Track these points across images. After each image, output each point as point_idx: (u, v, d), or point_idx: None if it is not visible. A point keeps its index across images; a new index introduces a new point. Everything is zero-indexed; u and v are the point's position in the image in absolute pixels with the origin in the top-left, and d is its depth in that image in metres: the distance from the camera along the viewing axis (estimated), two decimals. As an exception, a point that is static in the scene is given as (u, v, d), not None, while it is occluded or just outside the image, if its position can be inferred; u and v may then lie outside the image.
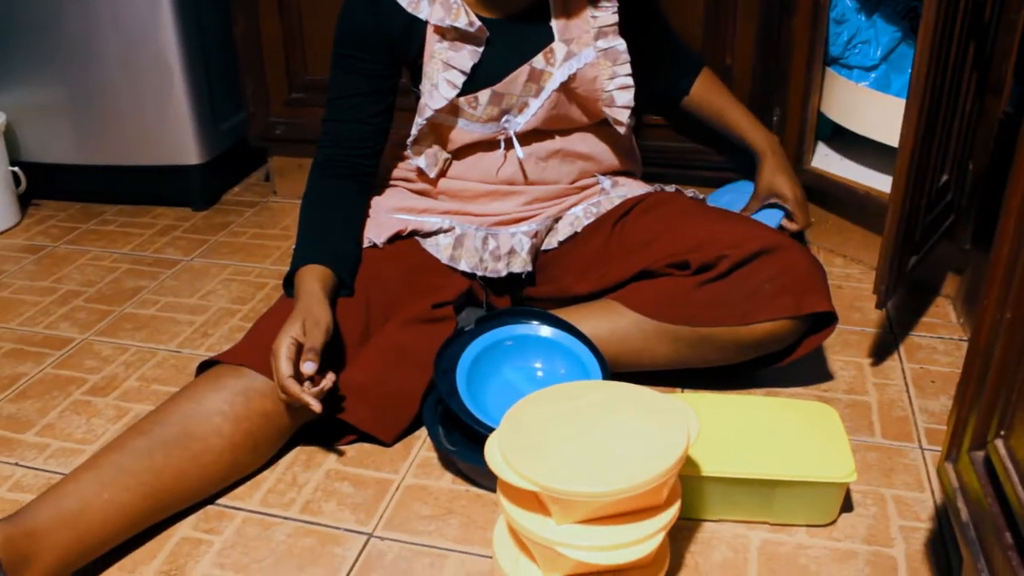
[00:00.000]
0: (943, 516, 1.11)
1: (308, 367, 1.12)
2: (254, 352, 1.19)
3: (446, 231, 1.40)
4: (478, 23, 1.28)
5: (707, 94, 1.60)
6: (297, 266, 1.26)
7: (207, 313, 1.67)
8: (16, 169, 2.13)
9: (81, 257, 1.94)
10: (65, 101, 2.09)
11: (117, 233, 2.05)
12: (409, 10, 1.29)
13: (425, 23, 1.29)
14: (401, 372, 1.25)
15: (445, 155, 1.39)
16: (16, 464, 1.26)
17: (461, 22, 1.27)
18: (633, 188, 1.47)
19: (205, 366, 1.23)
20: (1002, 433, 0.79)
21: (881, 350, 1.48)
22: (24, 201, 2.19)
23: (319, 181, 1.36)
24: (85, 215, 2.16)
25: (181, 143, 2.08)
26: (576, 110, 1.38)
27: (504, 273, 1.39)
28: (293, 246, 1.32)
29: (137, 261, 1.90)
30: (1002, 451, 0.78)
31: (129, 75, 2.02)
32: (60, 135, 2.13)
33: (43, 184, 2.21)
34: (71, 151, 2.15)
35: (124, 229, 2.07)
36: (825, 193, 1.77)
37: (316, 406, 1.12)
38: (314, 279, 1.23)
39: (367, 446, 1.27)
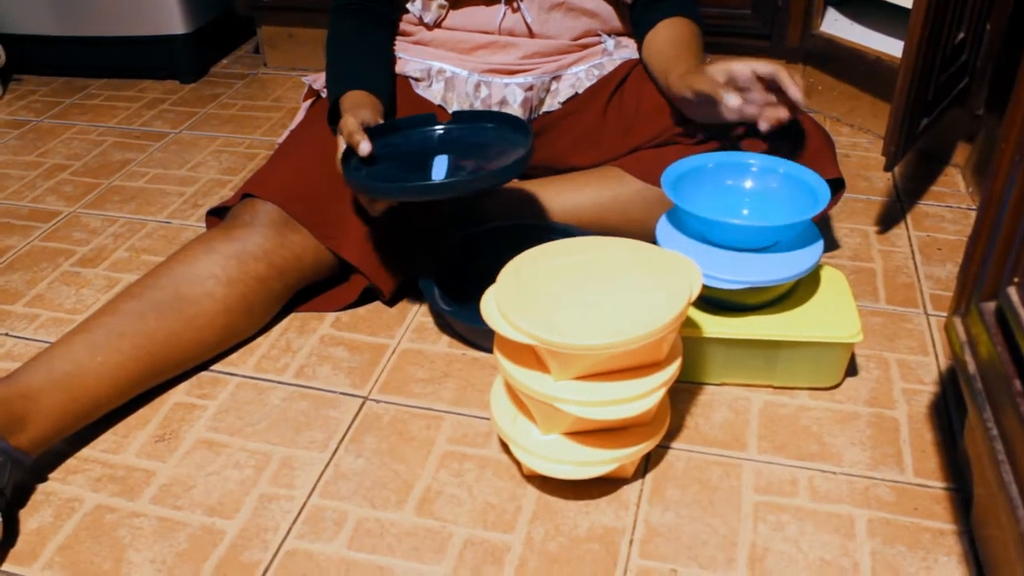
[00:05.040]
0: (946, 380, 1.10)
1: (365, 147, 1.07)
2: (280, 188, 1.16)
3: (437, 73, 1.35)
4: None
5: (665, 43, 1.31)
6: (339, 95, 1.21)
7: (197, 184, 1.63)
8: (-6, 42, 2.06)
9: (66, 131, 1.88)
10: (42, -33, 2.00)
11: (103, 107, 1.99)
12: None
13: None
14: (408, 227, 1.23)
15: (442, 1, 1.33)
16: (6, 334, 1.24)
17: None
18: (635, 51, 1.41)
19: (216, 213, 1.22)
20: (1015, 280, 0.76)
21: (887, 218, 1.44)
22: (4, 76, 2.13)
23: (343, 22, 1.31)
24: (69, 89, 2.10)
25: (165, 11, 2.00)
26: None
27: None
28: (310, 80, 1.30)
29: (124, 134, 1.85)
30: (1015, 298, 0.76)
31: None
32: (39, 5, 2.05)
33: (24, 58, 2.14)
34: (51, 22, 2.07)
35: (110, 103, 2.01)
36: (834, 58, 1.71)
37: (366, 148, 1.07)
38: (360, 100, 1.18)
39: (361, 311, 1.25)
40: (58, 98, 2.05)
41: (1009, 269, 0.79)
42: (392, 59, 1.34)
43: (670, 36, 1.30)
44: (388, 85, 1.28)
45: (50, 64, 2.17)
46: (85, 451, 1.04)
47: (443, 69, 1.35)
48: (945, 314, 1.21)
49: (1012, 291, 0.77)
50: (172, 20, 2.01)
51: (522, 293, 0.90)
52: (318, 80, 1.38)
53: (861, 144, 1.68)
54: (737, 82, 1.12)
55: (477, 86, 1.35)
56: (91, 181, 1.66)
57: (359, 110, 1.14)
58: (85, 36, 2.07)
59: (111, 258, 1.42)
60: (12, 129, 1.91)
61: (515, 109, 1.35)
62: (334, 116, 1.22)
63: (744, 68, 1.11)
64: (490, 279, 0.94)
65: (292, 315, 1.24)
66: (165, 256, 1.37)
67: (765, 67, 1.11)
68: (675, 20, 1.32)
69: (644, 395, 0.89)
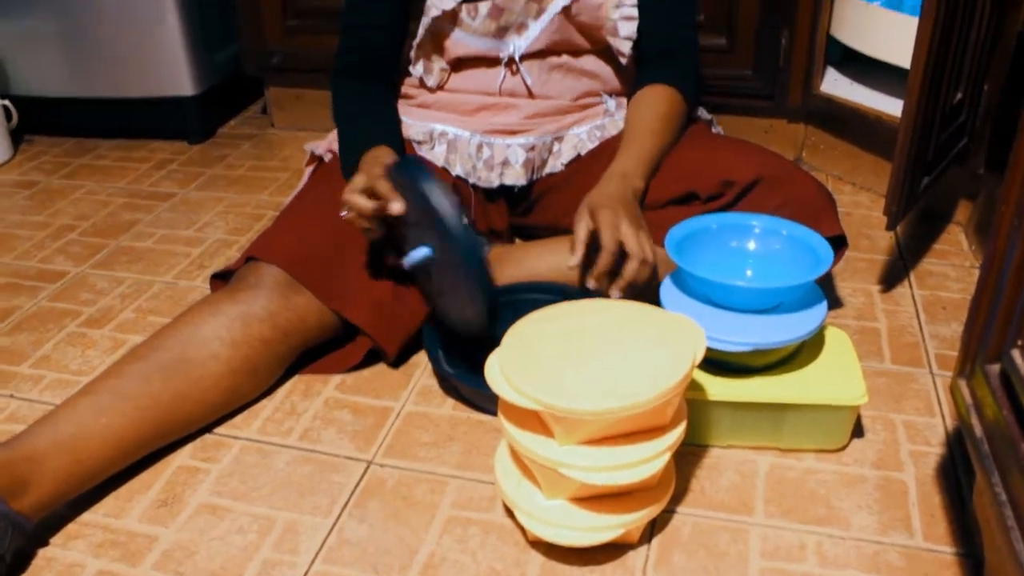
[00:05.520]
0: (954, 441, 1.09)
1: (396, 207, 1.08)
2: (285, 251, 1.17)
3: (439, 136, 1.37)
4: None
5: (632, 119, 1.31)
6: (358, 156, 1.23)
7: (203, 245, 1.64)
8: (7, 103, 2.09)
9: (75, 192, 1.90)
10: (56, 32, 2.04)
11: (112, 167, 2.01)
12: None
13: None
14: (412, 288, 1.23)
15: (443, 64, 1.35)
16: (11, 396, 1.24)
17: None
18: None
19: (220, 277, 1.23)
20: (1020, 343, 0.76)
21: (891, 277, 1.45)
22: (16, 136, 2.16)
23: (346, 83, 1.34)
24: (79, 150, 2.12)
25: (175, 74, 2.03)
26: (579, 36, 1.34)
27: (496, 184, 1.37)
28: (312, 147, 1.31)
29: (133, 195, 1.87)
30: (1019, 361, 0.75)
31: (121, 4, 1.97)
32: (52, 67, 2.09)
33: (36, 119, 2.17)
34: (63, 84, 2.10)
35: (119, 163, 2.04)
36: (835, 118, 1.72)
37: (398, 207, 1.08)
38: (379, 155, 1.21)
39: (366, 373, 1.25)
40: (69, 158, 2.08)
41: (1013, 332, 0.78)
42: (398, 117, 1.36)
43: (638, 113, 1.31)
44: (400, 143, 1.30)
45: (61, 125, 2.20)
46: (86, 515, 1.03)
47: (445, 132, 1.37)
48: (951, 374, 1.20)
49: (1016, 354, 0.77)
50: (182, 82, 2.04)
51: (526, 357, 0.90)
52: (320, 146, 1.40)
53: (863, 202, 1.68)
54: (599, 240, 1.12)
55: (479, 147, 1.36)
56: (99, 241, 1.68)
57: (356, 176, 1.15)
58: (96, 98, 2.10)
59: (118, 319, 1.42)
60: (23, 189, 1.93)
61: (517, 170, 1.36)
62: (349, 173, 1.24)
63: (609, 238, 1.10)
64: (495, 340, 0.94)
65: (297, 377, 1.24)
66: (171, 317, 1.37)
67: (631, 244, 1.10)
68: (658, 90, 1.32)
69: (649, 460, 0.88)
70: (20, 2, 2.03)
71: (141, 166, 2.01)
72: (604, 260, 1.11)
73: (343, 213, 1.13)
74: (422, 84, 1.37)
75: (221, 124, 2.22)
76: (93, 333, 1.39)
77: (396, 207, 1.08)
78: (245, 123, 2.24)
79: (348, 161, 1.26)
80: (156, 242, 1.66)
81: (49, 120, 2.19)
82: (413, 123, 1.38)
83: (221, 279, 1.25)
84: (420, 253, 1.10)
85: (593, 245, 1.13)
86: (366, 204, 1.10)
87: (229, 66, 2.17)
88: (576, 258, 1.13)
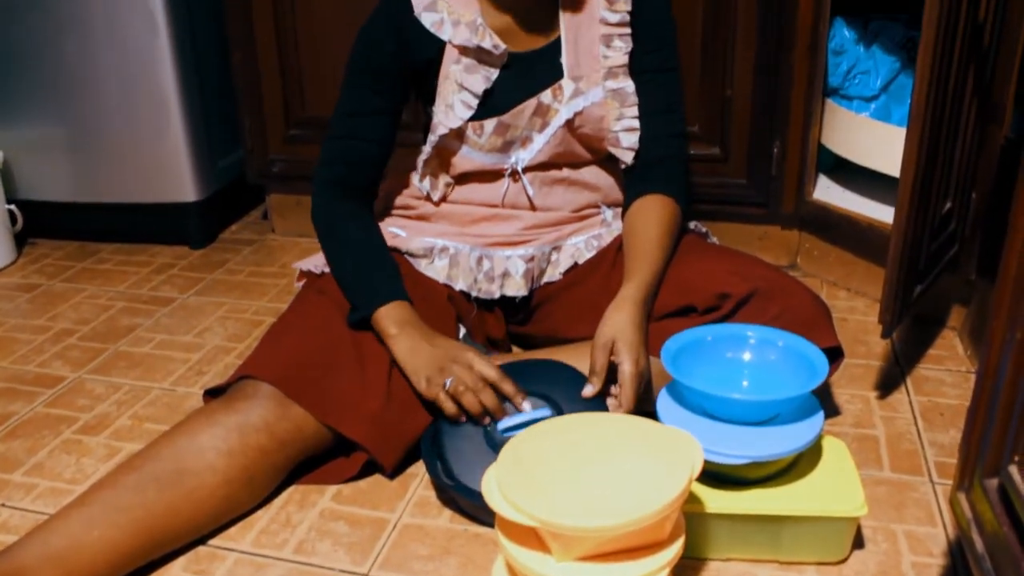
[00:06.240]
0: (956, 552, 1.08)
1: (527, 404, 1.17)
2: (279, 368, 1.18)
3: (440, 251, 1.38)
4: (503, 46, 1.28)
5: (631, 234, 1.33)
6: (371, 308, 1.25)
7: (202, 351, 1.65)
8: (12, 207, 2.12)
9: (76, 295, 1.92)
10: (62, 139, 2.09)
11: (113, 271, 2.04)
12: (432, 30, 1.29)
13: (443, 44, 1.29)
14: (408, 400, 1.23)
15: (448, 179, 1.38)
16: (3, 505, 1.23)
17: (487, 43, 1.27)
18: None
19: (213, 393, 1.22)
20: (1016, 459, 0.76)
21: (888, 383, 1.45)
22: (20, 240, 2.18)
23: (338, 204, 1.34)
24: (81, 254, 2.15)
25: (178, 181, 2.07)
26: (581, 148, 1.38)
27: (497, 295, 1.38)
28: (300, 265, 1.34)
29: (133, 299, 1.89)
30: (1016, 478, 0.75)
31: (126, 112, 2.02)
32: (57, 173, 2.13)
33: (39, 222, 2.21)
34: (68, 189, 2.14)
35: (120, 267, 2.06)
36: (828, 225, 1.75)
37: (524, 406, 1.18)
38: (410, 315, 1.25)
39: (363, 484, 1.24)
40: (71, 262, 2.10)
41: (1009, 447, 0.79)
42: (384, 242, 1.36)
43: (641, 227, 1.32)
44: (402, 282, 1.30)
45: (65, 229, 2.23)
46: (77, 632, 1.01)
47: (446, 247, 1.38)
48: (951, 483, 1.20)
49: (1014, 470, 0.77)
50: (185, 188, 2.07)
51: (523, 472, 0.90)
52: (306, 262, 1.40)
53: (858, 308, 1.70)
54: (618, 371, 1.17)
55: (479, 260, 1.38)
56: (98, 346, 1.68)
57: (467, 351, 1.20)
58: (99, 203, 2.14)
59: (113, 426, 1.42)
60: (24, 292, 1.94)
61: (517, 281, 1.37)
62: (360, 321, 1.25)
63: (630, 374, 1.15)
64: (493, 449, 0.94)
65: (293, 487, 1.23)
66: (168, 424, 1.37)
67: (624, 402, 1.15)
68: (655, 201, 1.34)
69: (648, 576, 0.87)
70: (28, 110, 2.08)
71: (142, 270, 2.03)
72: (627, 397, 1.15)
73: (447, 383, 1.16)
74: (427, 197, 1.40)
75: (222, 229, 2.25)
76: (89, 440, 1.38)
77: (526, 406, 1.17)
78: (246, 228, 2.27)
79: (359, 302, 1.26)
80: (155, 347, 1.67)
81: (53, 224, 2.22)
82: (412, 237, 1.40)
83: (213, 395, 1.24)
84: (540, 414, 1.17)
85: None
86: (492, 401, 1.16)
87: (231, 172, 2.21)
88: (595, 389, 1.18)
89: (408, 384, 1.22)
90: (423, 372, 1.19)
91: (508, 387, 1.17)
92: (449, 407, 1.17)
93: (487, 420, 1.18)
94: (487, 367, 1.17)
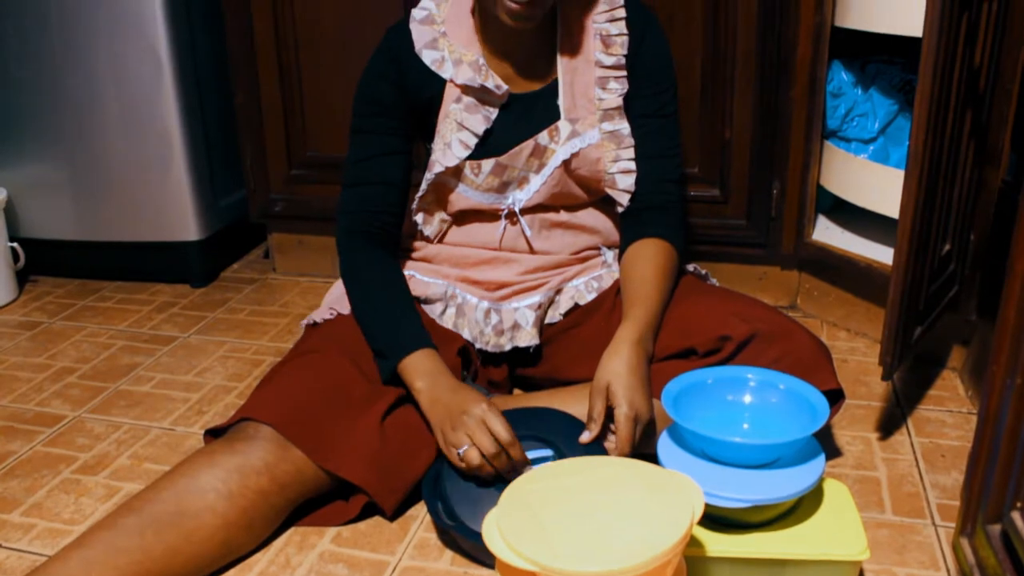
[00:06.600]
0: (959, 596, 1.07)
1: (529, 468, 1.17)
2: (279, 410, 1.17)
3: (449, 299, 1.39)
4: (505, 86, 1.30)
5: (628, 278, 1.33)
6: (398, 359, 1.25)
7: (202, 390, 1.64)
8: (15, 245, 2.13)
9: (77, 333, 1.92)
10: (66, 177, 2.10)
11: (114, 310, 2.04)
12: (433, 68, 1.30)
13: (444, 83, 1.31)
14: (407, 442, 1.23)
15: (445, 216, 1.39)
16: (0, 546, 1.23)
17: (490, 83, 1.29)
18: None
19: (214, 433, 1.22)
20: (1019, 505, 0.76)
21: (889, 424, 1.45)
22: (22, 277, 2.19)
23: (359, 253, 1.35)
24: (83, 291, 2.15)
25: (181, 219, 2.08)
26: (578, 188, 1.38)
27: (508, 348, 1.39)
28: (308, 321, 1.34)
29: (133, 337, 1.89)
30: (1019, 524, 0.75)
31: (130, 151, 2.04)
32: (60, 211, 2.14)
33: (41, 260, 2.22)
34: (70, 227, 2.15)
35: (121, 306, 2.06)
36: (827, 265, 1.76)
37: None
38: (434, 365, 1.25)
39: (362, 526, 1.23)
40: (72, 300, 2.10)
41: (1011, 493, 0.79)
42: (409, 292, 1.36)
43: (638, 270, 1.32)
44: (425, 330, 1.30)
45: (66, 266, 2.24)
46: (73, 677, 1.00)
47: (455, 294, 1.39)
48: (954, 525, 1.19)
49: (1016, 516, 0.77)
50: (187, 228, 2.08)
51: (524, 516, 0.89)
52: (312, 316, 1.41)
53: (859, 348, 1.70)
54: (614, 416, 1.17)
55: (487, 313, 1.39)
56: (98, 385, 1.68)
57: (478, 403, 1.18)
58: (101, 241, 2.15)
59: (113, 465, 1.41)
60: (25, 330, 1.94)
61: (529, 331, 1.37)
62: (389, 373, 1.26)
63: (625, 420, 1.15)
64: (494, 491, 0.94)
65: (292, 529, 1.23)
66: (167, 464, 1.37)
67: (621, 445, 1.15)
68: (652, 245, 1.34)
69: (649, 621, 0.86)
70: (33, 149, 2.10)
71: (143, 309, 2.04)
72: (622, 439, 1.15)
73: (463, 449, 1.16)
74: (421, 236, 1.41)
75: (224, 268, 2.26)
76: (87, 480, 1.38)
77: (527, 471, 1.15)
78: (247, 267, 2.27)
79: (385, 351, 1.27)
80: (155, 386, 1.67)
81: (55, 261, 2.23)
82: (425, 279, 1.40)
83: (214, 435, 1.24)
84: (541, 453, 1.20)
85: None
86: (503, 467, 1.16)
87: (234, 212, 2.22)
88: (591, 436, 1.18)
89: (409, 427, 1.22)
90: (439, 427, 1.20)
91: (516, 453, 1.16)
92: (462, 468, 1.17)
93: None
94: (500, 427, 1.16)
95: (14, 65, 2.03)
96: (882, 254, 1.66)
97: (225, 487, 1.11)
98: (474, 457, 1.15)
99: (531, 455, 1.18)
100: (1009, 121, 1.38)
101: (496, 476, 1.16)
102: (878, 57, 1.75)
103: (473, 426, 1.16)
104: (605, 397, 1.18)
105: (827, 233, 1.80)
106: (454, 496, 1.16)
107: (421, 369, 1.23)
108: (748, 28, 1.67)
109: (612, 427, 1.19)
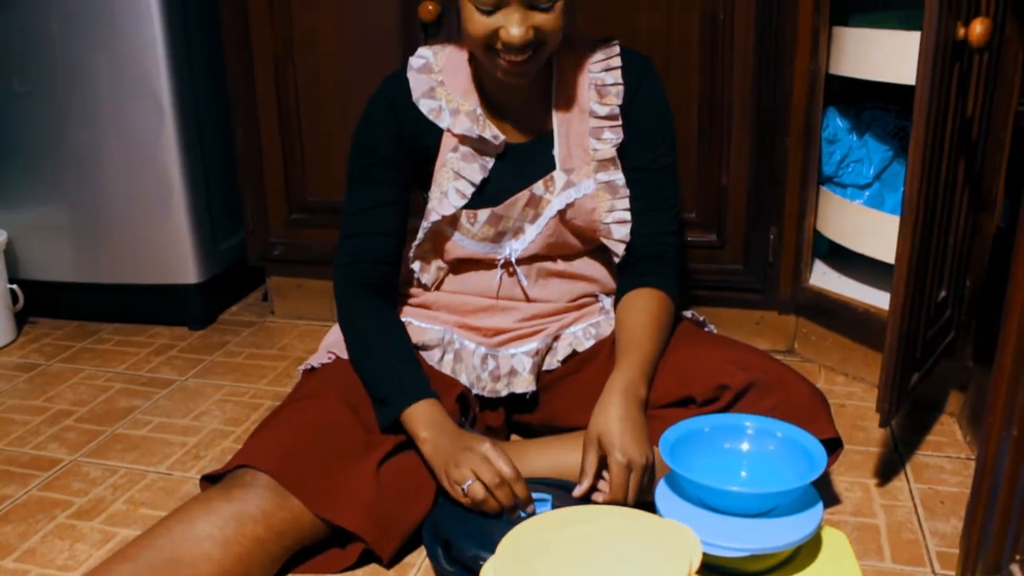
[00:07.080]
0: (960, 646, 1.06)
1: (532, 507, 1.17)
2: (276, 458, 1.17)
3: (447, 345, 1.39)
4: (502, 136, 1.31)
5: (623, 327, 1.33)
6: (400, 408, 1.25)
7: (200, 435, 1.64)
8: (14, 287, 2.13)
9: (74, 376, 1.92)
10: (66, 220, 2.11)
11: (112, 352, 2.04)
12: (430, 117, 1.32)
13: (441, 132, 1.32)
14: (403, 489, 1.22)
15: (442, 264, 1.39)
16: (-7, 593, 1.22)
17: (488, 133, 1.30)
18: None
19: (210, 479, 1.21)
20: (1017, 557, 0.76)
21: (887, 470, 1.44)
22: (20, 319, 2.19)
23: (358, 303, 1.34)
24: (81, 333, 2.15)
25: (180, 263, 2.09)
26: (574, 238, 1.39)
27: (504, 393, 1.39)
28: (306, 366, 1.33)
29: (131, 380, 1.88)
30: (1019, 575, 0.75)
31: (130, 194, 2.05)
32: (60, 253, 2.15)
33: (40, 302, 2.22)
34: (70, 269, 2.16)
35: (119, 348, 2.06)
36: (824, 310, 1.76)
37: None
38: (437, 415, 1.24)
39: (359, 573, 1.23)
40: (70, 342, 2.10)
41: (1010, 544, 0.78)
42: (409, 339, 1.36)
43: (632, 319, 1.32)
44: (427, 379, 1.30)
45: (65, 308, 2.24)
46: None
47: (453, 340, 1.39)
48: (953, 573, 1.18)
49: (1015, 569, 0.77)
50: (186, 271, 2.09)
51: (522, 566, 0.89)
52: (312, 360, 1.41)
53: (856, 393, 1.70)
54: (607, 466, 1.17)
55: (484, 358, 1.39)
56: (94, 428, 1.68)
57: (481, 443, 1.19)
58: (101, 283, 2.15)
59: (108, 511, 1.40)
60: (23, 372, 1.94)
61: (526, 377, 1.38)
62: (390, 421, 1.25)
63: (618, 471, 1.15)
64: (493, 537, 0.93)
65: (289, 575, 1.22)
66: (163, 509, 1.36)
67: (614, 491, 1.15)
68: (647, 294, 1.35)
69: (647, 673, 0.86)
70: (33, 191, 2.11)
71: (141, 351, 2.04)
72: (614, 485, 1.14)
73: (467, 484, 1.16)
74: (418, 283, 1.41)
75: (222, 311, 2.26)
76: (83, 525, 1.37)
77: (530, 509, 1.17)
78: (246, 310, 2.28)
79: (387, 400, 1.26)
80: (152, 430, 1.66)
81: (53, 303, 2.23)
82: (423, 326, 1.40)
83: (210, 481, 1.23)
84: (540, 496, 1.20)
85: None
86: (508, 501, 1.16)
87: (233, 255, 2.23)
88: (583, 489, 1.17)
89: (405, 474, 1.22)
90: (442, 469, 1.20)
91: (520, 490, 1.16)
92: (466, 503, 1.17)
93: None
94: (504, 463, 1.16)
95: (17, 110, 2.05)
96: (879, 299, 1.67)
97: (221, 534, 1.10)
98: (478, 491, 1.14)
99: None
100: (1002, 169, 1.40)
101: (499, 512, 1.16)
102: (873, 104, 1.77)
103: (477, 460, 1.16)
104: (597, 448, 1.18)
105: (824, 278, 1.80)
106: (456, 535, 1.15)
107: (425, 420, 1.23)
108: (744, 75, 1.69)
109: (606, 476, 1.19)
